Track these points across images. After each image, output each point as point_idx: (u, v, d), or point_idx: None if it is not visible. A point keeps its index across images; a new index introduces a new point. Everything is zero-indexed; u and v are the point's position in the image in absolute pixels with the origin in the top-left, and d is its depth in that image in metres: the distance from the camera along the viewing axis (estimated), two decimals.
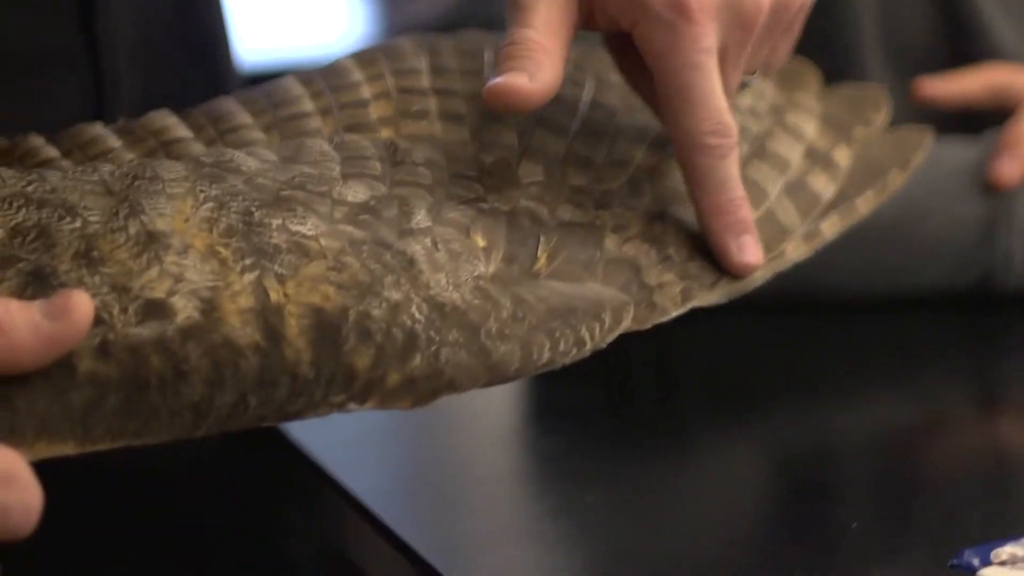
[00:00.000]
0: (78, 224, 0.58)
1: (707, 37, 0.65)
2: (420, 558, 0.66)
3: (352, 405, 0.58)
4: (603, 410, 0.84)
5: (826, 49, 1.08)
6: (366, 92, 0.72)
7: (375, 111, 0.71)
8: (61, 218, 0.59)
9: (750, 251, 0.66)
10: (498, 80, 0.64)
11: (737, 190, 0.66)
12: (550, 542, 0.70)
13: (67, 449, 0.54)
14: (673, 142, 0.67)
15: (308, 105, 0.71)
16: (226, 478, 0.90)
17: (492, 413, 0.85)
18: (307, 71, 0.73)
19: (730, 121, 0.66)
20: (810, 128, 0.77)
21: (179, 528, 0.88)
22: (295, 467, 0.78)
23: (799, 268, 0.94)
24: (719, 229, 0.66)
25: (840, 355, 0.91)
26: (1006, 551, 0.60)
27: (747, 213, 0.67)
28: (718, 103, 0.65)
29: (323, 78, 0.73)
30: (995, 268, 0.95)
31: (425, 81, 0.73)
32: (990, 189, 0.94)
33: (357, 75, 0.73)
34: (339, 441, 0.79)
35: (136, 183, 0.61)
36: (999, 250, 0.94)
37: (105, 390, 0.54)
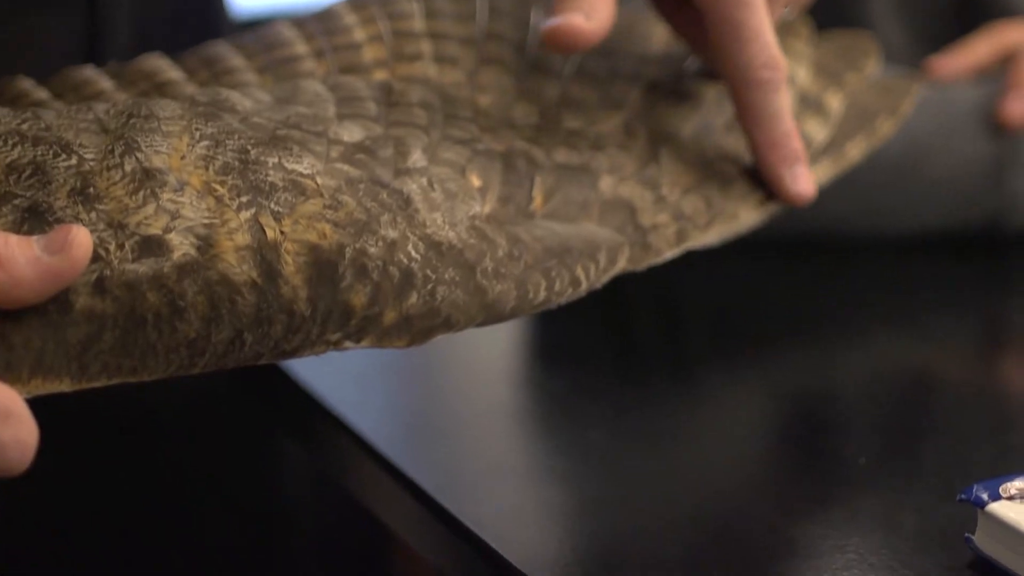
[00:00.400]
0: (73, 161, 0.58)
1: None
2: (425, 495, 0.66)
3: (348, 343, 0.58)
4: (607, 349, 0.84)
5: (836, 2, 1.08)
6: (359, 35, 0.72)
7: (369, 53, 0.71)
8: (56, 155, 0.58)
9: (803, 181, 0.68)
10: (556, 21, 0.65)
11: (789, 122, 0.68)
12: (554, 479, 0.70)
13: (63, 386, 0.54)
14: (725, 79, 0.68)
15: (301, 48, 0.71)
16: (228, 416, 0.89)
17: (496, 352, 0.85)
18: (298, 16, 0.73)
19: (780, 55, 0.67)
20: (801, 73, 0.76)
21: (180, 466, 0.88)
22: (299, 405, 0.77)
23: (806, 208, 0.94)
24: (774, 161, 0.68)
25: (845, 295, 0.90)
26: (1015, 485, 0.59)
27: (799, 144, 0.68)
28: (768, 38, 0.67)
29: (315, 22, 0.72)
30: (1002, 209, 0.94)
31: (418, 24, 0.73)
32: (998, 129, 0.94)
33: (350, 19, 0.73)
34: (343, 379, 0.78)
35: (131, 121, 0.60)
36: (1007, 191, 0.94)
37: (101, 327, 0.54)
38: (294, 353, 0.57)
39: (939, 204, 0.95)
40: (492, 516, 0.64)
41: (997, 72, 0.98)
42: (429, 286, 0.58)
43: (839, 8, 1.08)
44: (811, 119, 0.73)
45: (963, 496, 0.59)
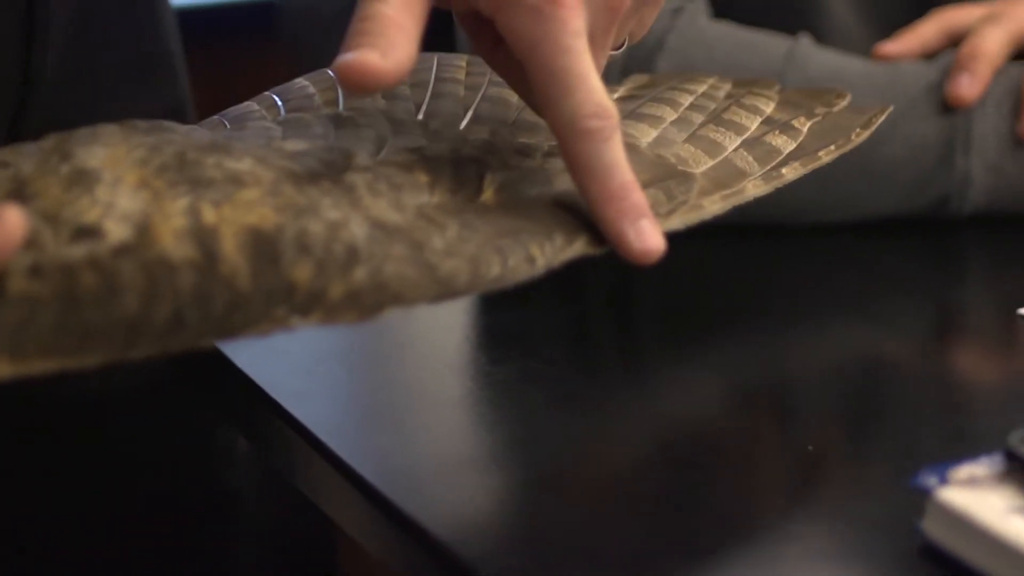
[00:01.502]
0: (10, 172, 0.58)
1: (576, 19, 0.61)
2: (369, 485, 0.65)
3: (295, 319, 0.57)
4: (557, 338, 0.84)
5: None
6: (312, 89, 0.73)
7: (320, 97, 0.72)
8: None
9: (650, 236, 0.62)
10: (348, 56, 0.60)
11: (626, 174, 0.62)
12: (502, 468, 0.69)
13: (1, 369, 0.53)
14: (552, 130, 0.63)
15: (255, 107, 0.72)
16: (173, 409, 0.89)
17: (443, 342, 0.84)
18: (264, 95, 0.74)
19: (609, 103, 0.62)
20: (769, 107, 0.76)
21: (124, 456, 0.87)
22: (243, 396, 0.77)
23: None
24: (613, 216, 0.62)
25: (797, 280, 0.90)
26: (964, 471, 0.59)
27: (640, 197, 0.62)
28: (594, 84, 0.62)
29: (276, 94, 0.74)
30: (952, 190, 0.94)
31: None
32: (948, 109, 0.94)
33: (310, 87, 0.74)
34: (287, 369, 0.78)
35: (72, 138, 0.61)
36: (958, 171, 0.94)
37: (36, 308, 0.53)
38: (239, 331, 0.56)
39: (891, 186, 0.95)
40: (438, 506, 0.64)
41: (945, 53, 0.98)
42: (375, 261, 0.57)
43: None
44: (779, 136, 0.73)
45: (912, 482, 0.59)
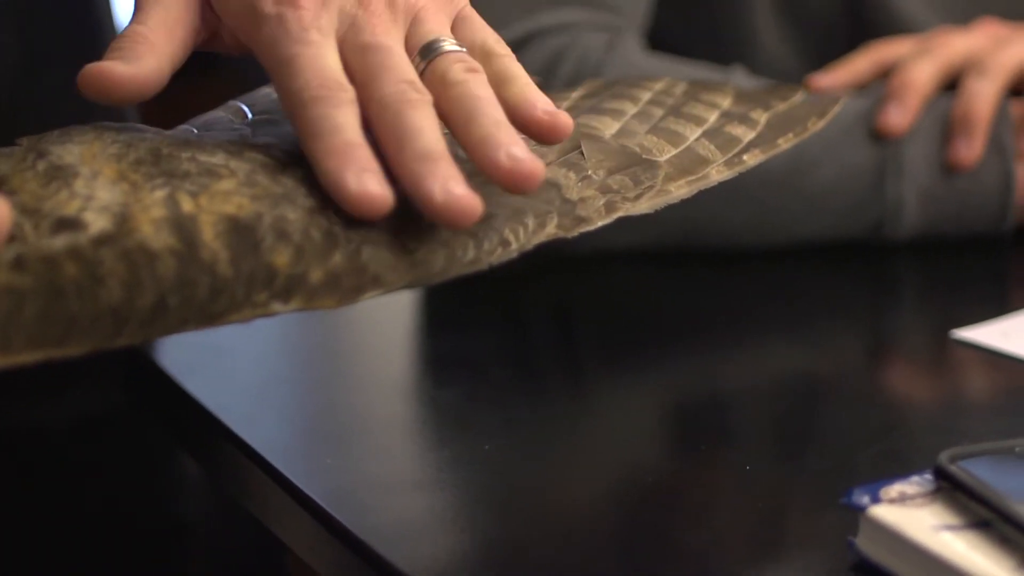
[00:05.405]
0: None
1: (316, 19, 0.62)
2: (319, 508, 0.66)
3: (277, 305, 0.57)
4: (499, 361, 0.84)
5: (718, 13, 1.10)
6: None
7: None
8: None
9: (373, 185, 0.58)
10: (89, 66, 0.61)
11: (358, 137, 0.60)
12: (449, 490, 0.70)
13: None
14: (284, 113, 0.63)
15: (223, 115, 0.71)
16: (124, 435, 0.89)
17: (390, 365, 0.85)
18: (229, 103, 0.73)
19: (343, 80, 0.61)
20: (726, 102, 0.78)
21: (74, 485, 0.87)
22: (194, 422, 0.77)
23: (693, 220, 0.95)
24: (336, 167, 0.59)
25: (734, 303, 0.92)
26: (895, 489, 0.61)
27: (372, 159, 0.59)
28: (327, 65, 0.61)
29: (241, 101, 0.73)
30: (885, 216, 0.96)
31: None
32: (879, 138, 0.96)
33: (274, 93, 0.73)
34: (237, 395, 0.79)
35: (45, 139, 0.61)
36: (889, 197, 0.96)
37: (22, 300, 0.54)
38: (222, 317, 0.57)
39: (825, 212, 0.96)
40: (386, 528, 0.65)
41: (876, 85, 1.00)
42: (353, 245, 0.58)
43: (719, 24, 1.09)
44: (738, 126, 0.75)
45: (845, 500, 0.60)
